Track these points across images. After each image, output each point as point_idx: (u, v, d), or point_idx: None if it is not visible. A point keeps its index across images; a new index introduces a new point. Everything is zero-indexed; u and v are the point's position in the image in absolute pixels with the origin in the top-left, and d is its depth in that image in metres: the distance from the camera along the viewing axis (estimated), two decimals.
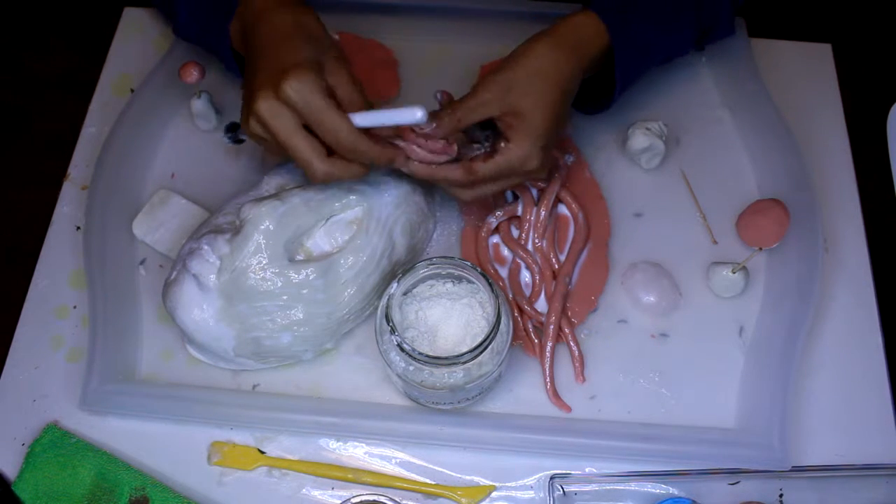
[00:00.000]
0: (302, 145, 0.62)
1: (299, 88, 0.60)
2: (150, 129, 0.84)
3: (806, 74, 0.87)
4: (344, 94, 0.65)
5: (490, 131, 0.69)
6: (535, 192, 0.78)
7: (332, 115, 0.61)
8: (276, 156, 0.67)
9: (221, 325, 0.69)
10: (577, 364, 0.73)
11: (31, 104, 0.92)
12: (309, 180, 0.65)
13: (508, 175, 0.68)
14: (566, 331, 0.74)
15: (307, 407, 0.71)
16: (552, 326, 0.73)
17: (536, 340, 0.74)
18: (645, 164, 0.82)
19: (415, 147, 0.66)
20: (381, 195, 0.71)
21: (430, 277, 0.67)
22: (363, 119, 0.63)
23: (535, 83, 0.67)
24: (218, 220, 0.71)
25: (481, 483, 0.70)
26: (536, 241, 0.77)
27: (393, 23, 0.89)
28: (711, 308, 0.76)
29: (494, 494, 0.69)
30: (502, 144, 0.67)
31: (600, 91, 0.77)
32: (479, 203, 0.79)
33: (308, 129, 0.62)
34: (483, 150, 0.69)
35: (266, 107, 0.61)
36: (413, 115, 0.62)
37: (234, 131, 0.74)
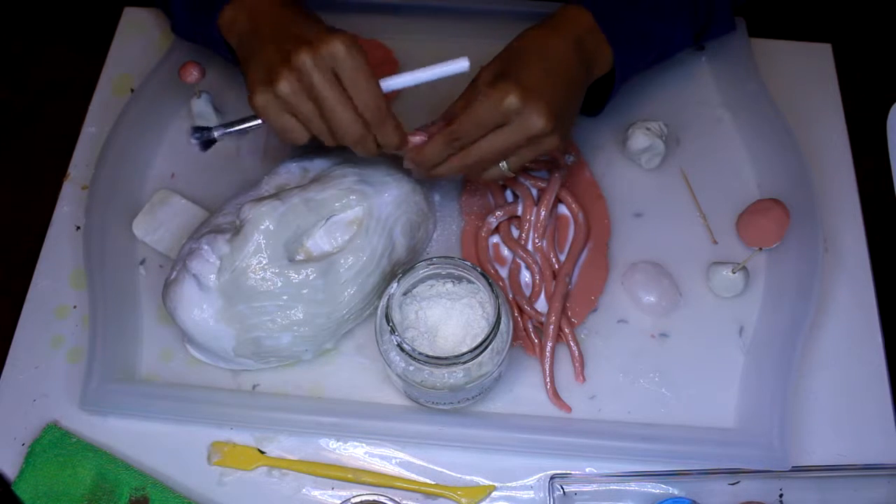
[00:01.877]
0: (342, 99, 0.61)
1: (347, 43, 0.60)
2: (150, 129, 0.83)
3: (806, 74, 0.87)
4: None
5: None
6: (535, 191, 0.78)
7: (368, 79, 0.61)
8: (290, 139, 0.65)
9: (221, 325, 0.69)
10: (576, 364, 0.73)
11: (31, 104, 0.92)
12: (326, 144, 0.64)
13: (490, 119, 0.65)
14: (566, 331, 0.74)
15: (307, 407, 0.71)
16: (552, 326, 0.73)
17: (536, 340, 0.74)
18: (645, 164, 0.82)
19: (417, 137, 0.67)
20: (381, 195, 0.71)
21: (430, 277, 0.67)
22: (402, 80, 0.63)
23: (513, 55, 0.68)
24: (218, 220, 0.71)
25: (481, 483, 0.70)
26: (536, 241, 0.77)
27: (393, 23, 0.89)
28: (711, 308, 0.76)
29: (494, 494, 0.69)
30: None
31: (604, 91, 0.77)
32: (479, 204, 0.79)
33: None
34: None
35: (305, 60, 0.60)
36: (461, 65, 0.63)
37: (200, 133, 0.70)
